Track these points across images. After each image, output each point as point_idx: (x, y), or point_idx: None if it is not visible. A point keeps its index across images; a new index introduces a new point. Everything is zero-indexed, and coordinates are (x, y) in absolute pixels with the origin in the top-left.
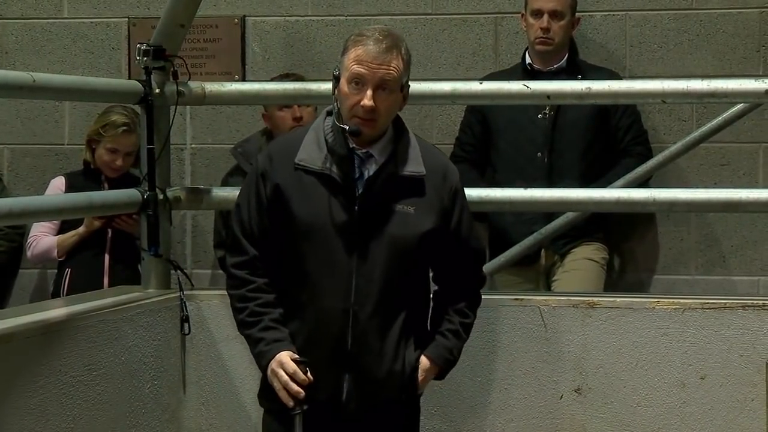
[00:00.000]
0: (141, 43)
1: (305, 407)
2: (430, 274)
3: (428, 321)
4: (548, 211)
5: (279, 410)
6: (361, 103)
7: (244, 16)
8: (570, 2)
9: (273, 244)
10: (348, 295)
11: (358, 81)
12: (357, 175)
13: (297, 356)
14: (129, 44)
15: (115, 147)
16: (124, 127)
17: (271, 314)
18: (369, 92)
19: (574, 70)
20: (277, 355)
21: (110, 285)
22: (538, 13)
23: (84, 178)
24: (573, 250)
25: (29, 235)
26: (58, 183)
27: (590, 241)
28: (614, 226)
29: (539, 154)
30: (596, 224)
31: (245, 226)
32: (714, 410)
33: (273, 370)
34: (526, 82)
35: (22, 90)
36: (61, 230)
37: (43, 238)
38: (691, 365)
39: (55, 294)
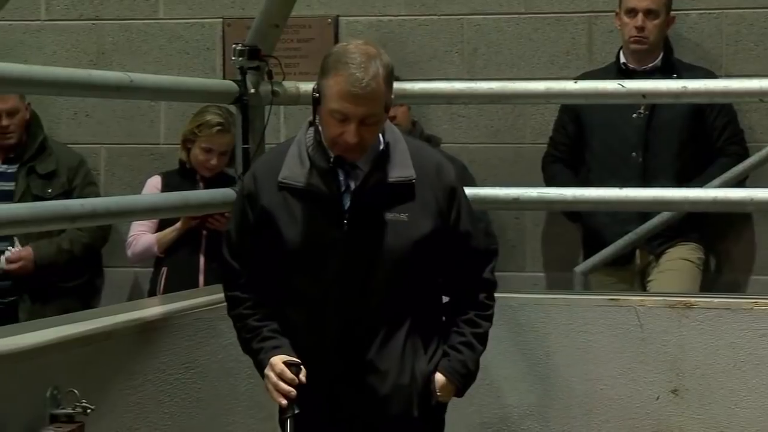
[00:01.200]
0: (236, 44)
1: (296, 411)
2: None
3: (442, 331)
4: (643, 211)
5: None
6: (345, 138)
7: (338, 16)
8: (665, 1)
9: (263, 265)
10: (343, 313)
11: (340, 118)
12: (344, 188)
13: (289, 358)
14: (223, 45)
15: (210, 146)
16: (219, 127)
17: (269, 326)
18: (353, 129)
19: (669, 69)
20: (270, 360)
21: (205, 284)
22: (632, 12)
23: (179, 177)
24: (668, 251)
25: (128, 235)
26: (155, 182)
27: (686, 241)
28: (710, 226)
29: (633, 153)
30: (692, 224)
31: (234, 248)
32: None
33: (265, 374)
34: (621, 81)
35: (120, 90)
36: (159, 229)
37: (142, 236)
38: None
39: (152, 292)
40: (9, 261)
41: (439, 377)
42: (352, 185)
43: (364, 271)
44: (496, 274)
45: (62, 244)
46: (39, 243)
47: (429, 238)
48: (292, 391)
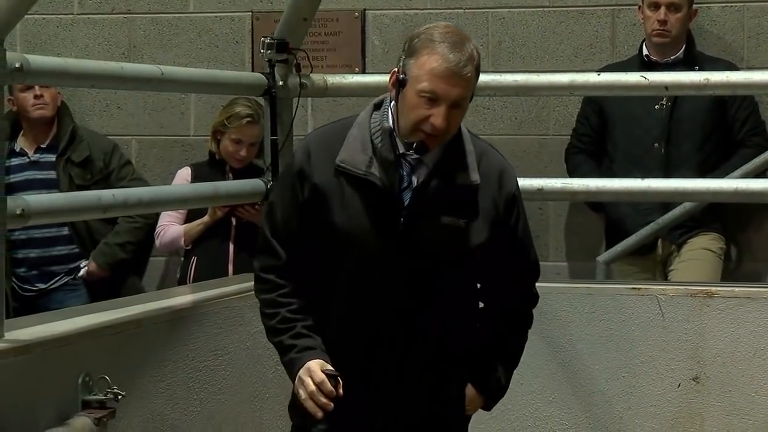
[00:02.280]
0: (265, 37)
1: (325, 427)
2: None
3: (476, 340)
4: (665, 201)
5: (303, 426)
6: (432, 121)
7: (365, 9)
8: None
9: (305, 250)
10: (383, 317)
11: (431, 97)
12: (405, 184)
13: (329, 367)
14: (252, 38)
15: (240, 138)
16: (248, 119)
17: (303, 321)
18: (443, 111)
19: (692, 61)
20: (307, 363)
21: (235, 272)
22: (655, 5)
23: (209, 168)
24: (690, 240)
25: (157, 225)
26: (185, 173)
27: (707, 231)
28: (731, 217)
29: (656, 144)
30: (713, 214)
31: (277, 227)
32: None
33: (300, 378)
34: (644, 74)
35: (151, 82)
36: (187, 220)
37: (170, 227)
38: None
39: (182, 281)
40: (84, 276)
41: (470, 391)
42: (415, 181)
43: (411, 272)
44: None
45: (118, 240)
46: (98, 251)
47: (484, 246)
48: (330, 404)
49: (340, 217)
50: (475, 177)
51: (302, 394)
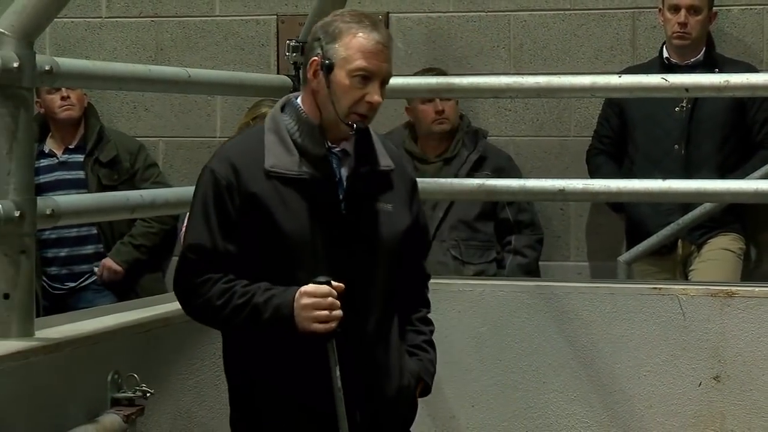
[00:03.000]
0: (290, 40)
1: (339, 329)
2: None
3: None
4: (685, 202)
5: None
6: (369, 99)
7: (388, 12)
8: None
9: (244, 265)
10: (344, 305)
11: (365, 75)
12: (337, 177)
13: (318, 280)
14: (278, 41)
15: None
16: None
17: (262, 284)
18: (377, 87)
19: (712, 63)
20: (295, 294)
21: None
22: (675, 8)
23: None
24: (710, 241)
25: (183, 225)
26: None
27: (727, 231)
28: (750, 217)
29: (676, 146)
30: (733, 215)
31: (205, 250)
32: None
33: (302, 305)
34: (664, 76)
35: (178, 84)
36: None
37: None
38: None
39: None
40: (100, 276)
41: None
42: (344, 173)
43: (362, 263)
44: (542, 262)
45: (134, 241)
46: (115, 249)
47: (409, 230)
48: (339, 311)
49: (285, 222)
50: (388, 162)
51: (312, 314)
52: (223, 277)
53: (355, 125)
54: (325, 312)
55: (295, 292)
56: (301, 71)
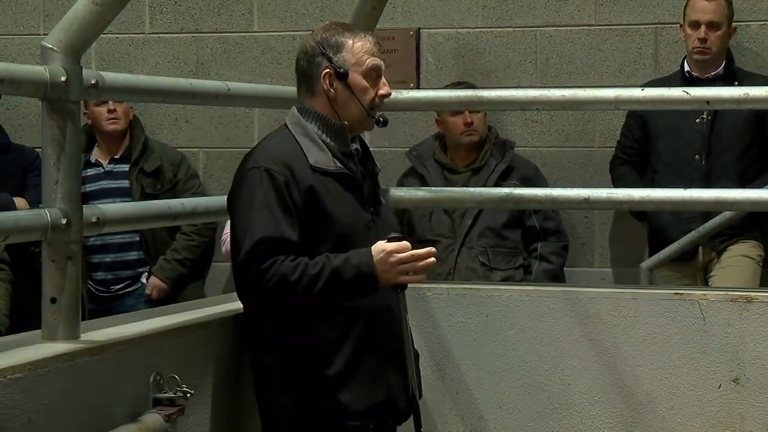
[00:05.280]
0: None
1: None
2: None
3: None
4: (706, 211)
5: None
6: (384, 92)
7: (419, 28)
8: (727, 13)
9: (303, 250)
10: (387, 292)
11: (377, 73)
12: (361, 171)
13: (390, 236)
14: None
15: None
16: None
17: (323, 255)
18: (384, 80)
19: (731, 77)
20: (373, 248)
21: None
22: (696, 25)
23: None
24: (730, 248)
25: (223, 233)
26: None
27: (747, 238)
28: None
29: (697, 156)
30: (753, 223)
31: (275, 240)
32: None
33: (388, 261)
34: (686, 89)
35: (218, 98)
36: None
37: None
38: None
39: None
40: (149, 295)
41: None
42: (360, 168)
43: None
44: (567, 269)
45: (177, 256)
46: (159, 267)
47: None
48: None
49: (337, 211)
50: (377, 164)
51: (391, 269)
52: (287, 258)
53: (381, 119)
54: (411, 263)
55: (370, 252)
56: (304, 85)
